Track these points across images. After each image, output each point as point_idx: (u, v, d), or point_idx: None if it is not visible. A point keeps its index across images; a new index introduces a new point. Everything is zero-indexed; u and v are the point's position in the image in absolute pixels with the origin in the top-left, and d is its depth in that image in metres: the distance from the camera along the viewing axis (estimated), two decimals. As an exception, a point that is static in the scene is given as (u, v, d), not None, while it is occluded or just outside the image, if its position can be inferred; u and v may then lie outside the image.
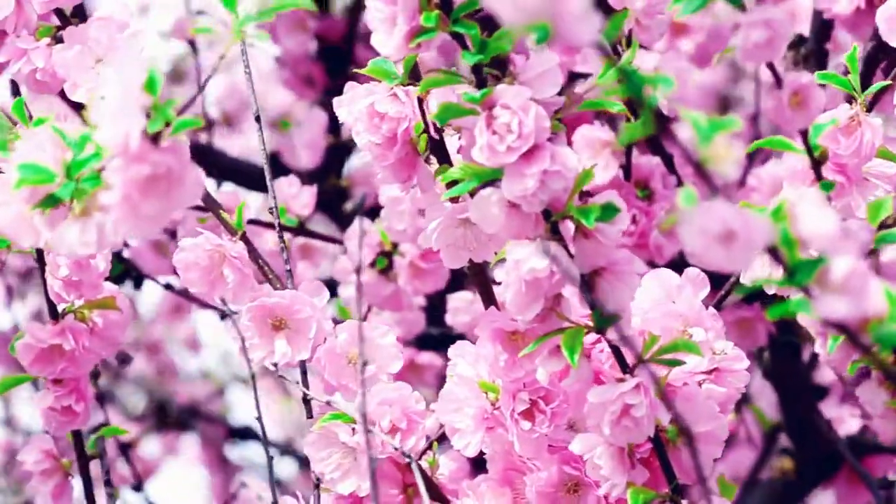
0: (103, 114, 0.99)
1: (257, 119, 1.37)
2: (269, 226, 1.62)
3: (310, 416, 1.32)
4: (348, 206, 1.85)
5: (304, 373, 1.33)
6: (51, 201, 1.02)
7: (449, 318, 1.78)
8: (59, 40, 1.32)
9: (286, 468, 2.61)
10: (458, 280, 1.72)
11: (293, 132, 2.10)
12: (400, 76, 1.22)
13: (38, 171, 1.02)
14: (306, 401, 1.32)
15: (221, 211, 1.29)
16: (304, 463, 2.45)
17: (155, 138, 0.99)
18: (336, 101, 1.24)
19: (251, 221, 1.70)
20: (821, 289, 0.95)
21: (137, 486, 2.03)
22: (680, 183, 1.56)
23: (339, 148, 2.01)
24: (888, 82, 1.30)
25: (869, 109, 1.29)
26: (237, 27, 1.07)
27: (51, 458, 1.40)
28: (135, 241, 1.86)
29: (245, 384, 2.71)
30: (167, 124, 0.99)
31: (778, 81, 1.53)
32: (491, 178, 1.10)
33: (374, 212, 1.67)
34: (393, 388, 1.28)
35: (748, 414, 1.93)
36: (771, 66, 1.56)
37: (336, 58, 2.03)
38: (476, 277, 1.30)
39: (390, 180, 1.25)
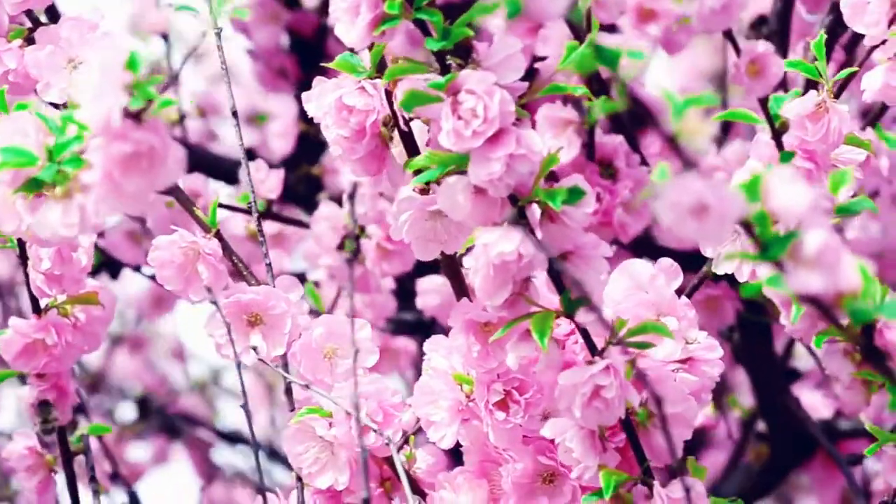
0: (84, 93, 1.00)
1: (234, 114, 1.37)
2: (238, 210, 1.64)
3: (292, 409, 1.32)
4: (321, 195, 1.85)
5: (285, 367, 1.32)
6: (33, 185, 1.03)
7: (419, 302, 1.78)
8: (30, 41, 1.33)
9: (277, 474, 2.59)
10: (427, 264, 1.73)
11: (265, 125, 2.12)
12: (368, 69, 1.22)
13: (19, 154, 1.03)
14: (289, 391, 1.32)
15: (195, 208, 1.30)
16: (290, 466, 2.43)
17: (136, 116, 1.00)
18: (305, 95, 1.25)
19: (221, 206, 1.71)
20: (794, 263, 0.95)
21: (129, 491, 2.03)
22: (644, 161, 1.56)
23: (310, 137, 2.02)
24: (854, 69, 1.31)
25: (837, 95, 1.30)
26: (216, 8, 1.08)
27: (34, 455, 1.41)
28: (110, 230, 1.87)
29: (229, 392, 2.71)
30: (149, 102, 1.00)
31: (736, 49, 1.53)
32: (457, 165, 1.10)
33: (340, 197, 1.69)
34: (369, 380, 1.28)
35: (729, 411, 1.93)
36: (728, 34, 1.56)
37: (308, 51, 2.04)
38: (448, 269, 1.30)
39: (360, 174, 1.26)
